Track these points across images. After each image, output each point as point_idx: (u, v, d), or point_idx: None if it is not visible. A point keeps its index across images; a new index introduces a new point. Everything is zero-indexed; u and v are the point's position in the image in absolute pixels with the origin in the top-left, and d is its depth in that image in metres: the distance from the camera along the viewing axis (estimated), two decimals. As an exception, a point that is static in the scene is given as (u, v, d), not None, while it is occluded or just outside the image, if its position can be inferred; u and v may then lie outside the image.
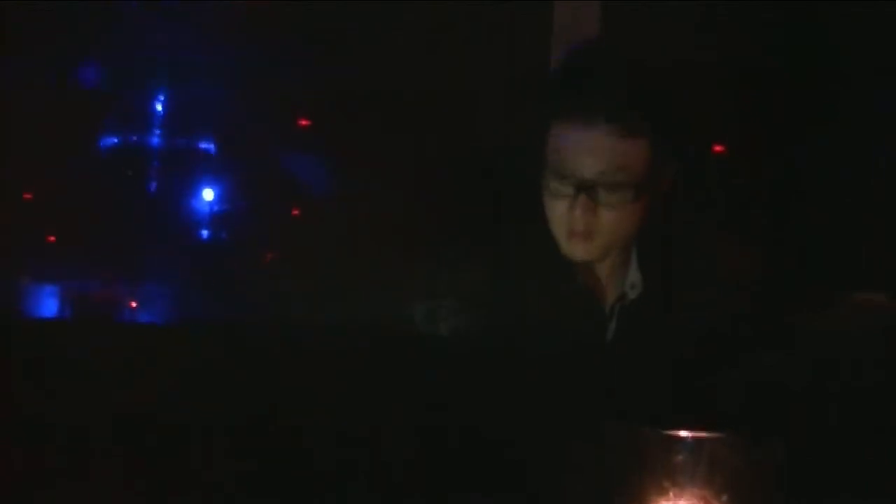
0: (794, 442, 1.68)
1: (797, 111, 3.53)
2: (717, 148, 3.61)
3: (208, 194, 4.61)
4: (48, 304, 4.38)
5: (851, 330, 2.43)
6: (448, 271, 2.29)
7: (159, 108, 4.55)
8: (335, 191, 4.41)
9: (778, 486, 1.58)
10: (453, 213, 2.61)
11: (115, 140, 4.56)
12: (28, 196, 4.47)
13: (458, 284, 2.26)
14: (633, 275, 2.37)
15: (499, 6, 3.67)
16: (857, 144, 3.47)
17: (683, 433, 1.61)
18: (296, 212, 4.53)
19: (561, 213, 2.32)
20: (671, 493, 1.55)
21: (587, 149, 2.30)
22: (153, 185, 4.57)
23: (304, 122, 4.64)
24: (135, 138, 4.56)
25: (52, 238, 4.50)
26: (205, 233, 4.59)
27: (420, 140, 3.86)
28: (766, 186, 3.42)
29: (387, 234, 3.50)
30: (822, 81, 3.52)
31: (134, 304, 4.38)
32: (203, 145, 4.59)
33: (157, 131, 4.55)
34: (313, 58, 4.28)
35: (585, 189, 2.26)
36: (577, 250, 2.33)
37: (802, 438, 1.75)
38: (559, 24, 3.22)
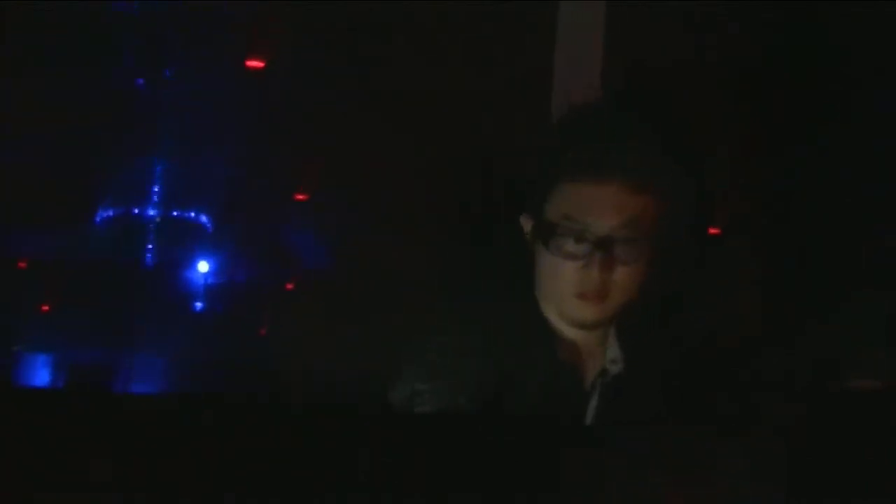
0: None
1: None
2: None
3: (203, 266, 4.63)
4: (40, 373, 4.38)
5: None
6: (433, 350, 2.22)
7: (155, 178, 4.58)
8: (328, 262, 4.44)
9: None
10: (436, 288, 2.57)
11: (111, 211, 4.58)
12: (22, 265, 4.49)
13: (442, 365, 2.18)
14: (613, 350, 2.29)
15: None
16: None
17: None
18: (290, 286, 4.56)
19: (571, 274, 2.20)
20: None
21: (604, 205, 2.16)
22: (147, 256, 4.59)
23: (300, 197, 4.67)
24: (130, 209, 4.59)
25: (46, 307, 4.51)
26: (199, 304, 4.61)
27: (417, 202, 3.86)
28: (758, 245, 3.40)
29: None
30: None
31: (126, 374, 4.39)
32: (198, 217, 4.61)
33: (152, 203, 4.58)
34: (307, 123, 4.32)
35: (602, 247, 2.18)
36: (587, 313, 2.21)
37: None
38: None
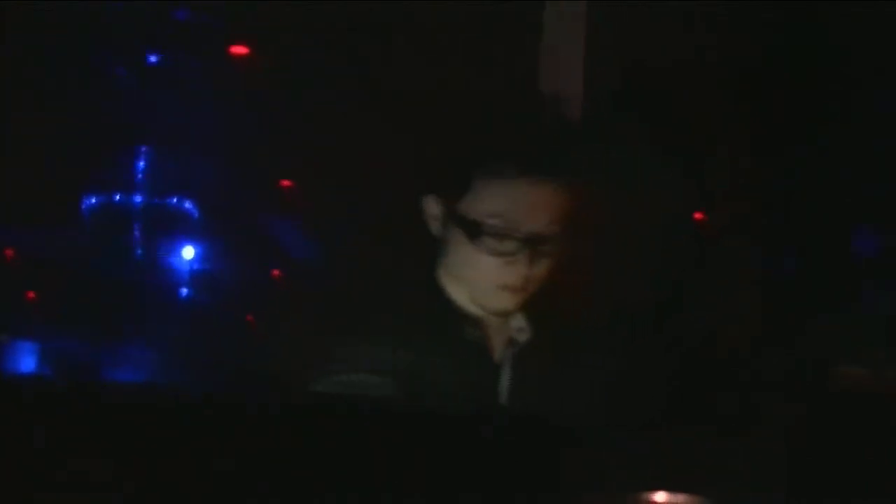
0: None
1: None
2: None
3: (188, 252, 4.62)
4: (26, 362, 4.38)
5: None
6: (361, 341, 2.20)
7: (141, 166, 4.57)
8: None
9: None
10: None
11: (98, 198, 4.57)
12: (10, 252, 4.48)
13: (366, 354, 2.18)
14: (518, 319, 2.31)
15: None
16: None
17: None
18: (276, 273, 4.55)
19: (495, 268, 2.22)
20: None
21: (535, 205, 2.21)
22: (134, 244, 4.58)
23: (286, 183, 4.66)
24: (117, 197, 4.58)
25: (32, 294, 4.50)
26: (185, 291, 4.60)
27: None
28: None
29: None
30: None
31: (113, 364, 4.38)
32: (184, 204, 4.61)
33: (139, 190, 4.57)
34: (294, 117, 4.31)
35: (531, 244, 2.20)
36: (508, 303, 2.25)
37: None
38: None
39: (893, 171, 3.37)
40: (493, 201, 2.20)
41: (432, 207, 2.26)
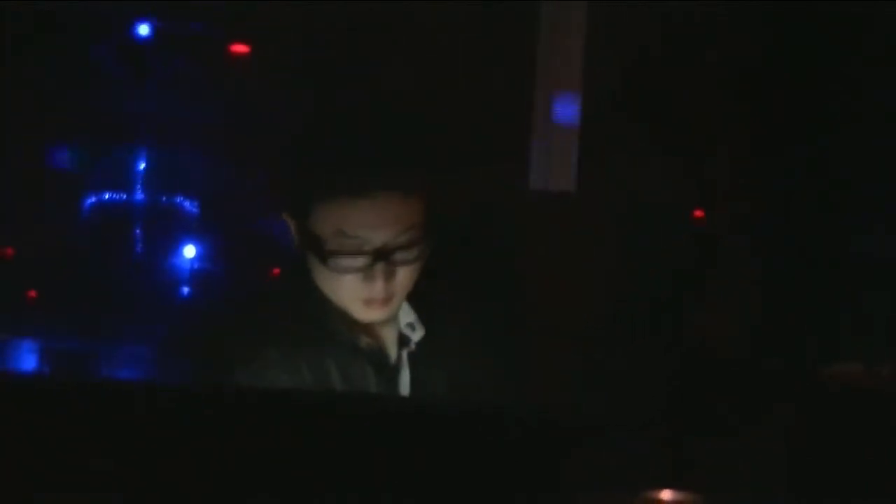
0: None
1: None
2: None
3: (189, 251, 4.62)
4: (27, 360, 4.38)
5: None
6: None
7: (141, 166, 4.56)
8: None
9: None
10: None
11: (98, 197, 4.57)
12: (10, 251, 4.48)
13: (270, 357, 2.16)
14: (407, 314, 2.29)
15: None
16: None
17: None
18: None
19: (353, 284, 2.18)
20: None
21: (379, 217, 2.16)
22: (134, 242, 4.58)
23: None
24: (117, 196, 4.57)
25: (34, 293, 4.50)
26: (185, 290, 4.60)
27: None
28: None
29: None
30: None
31: (112, 362, 4.38)
32: (185, 203, 4.60)
33: (139, 189, 4.57)
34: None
35: (382, 257, 2.17)
36: (375, 315, 2.22)
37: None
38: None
39: (893, 170, 3.37)
40: (333, 218, 2.16)
41: (289, 225, 2.24)
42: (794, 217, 3.41)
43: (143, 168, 4.55)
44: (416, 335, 2.25)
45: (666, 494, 1.64)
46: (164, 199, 4.57)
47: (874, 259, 3.24)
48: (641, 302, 2.33)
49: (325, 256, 2.16)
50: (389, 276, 2.16)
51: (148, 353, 4.34)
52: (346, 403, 1.66)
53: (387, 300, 2.18)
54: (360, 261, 2.15)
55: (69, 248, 4.49)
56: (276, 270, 4.59)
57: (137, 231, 4.56)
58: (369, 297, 2.17)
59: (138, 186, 4.56)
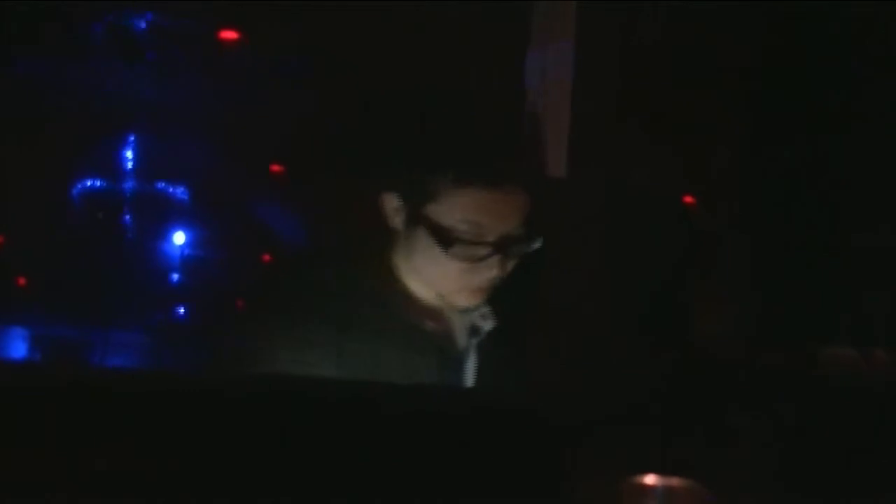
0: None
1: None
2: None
3: (179, 238, 4.63)
4: (16, 347, 4.38)
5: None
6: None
7: (132, 154, 4.57)
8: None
9: None
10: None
11: (88, 185, 4.57)
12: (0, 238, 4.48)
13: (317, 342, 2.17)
14: (481, 307, 2.31)
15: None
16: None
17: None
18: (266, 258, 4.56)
19: (466, 272, 2.22)
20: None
21: (505, 208, 2.22)
22: (124, 229, 4.58)
23: (276, 168, 4.67)
24: (107, 183, 4.58)
25: (23, 281, 4.51)
26: (175, 276, 4.61)
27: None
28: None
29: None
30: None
31: (103, 349, 4.39)
32: (175, 191, 4.61)
33: (130, 177, 4.57)
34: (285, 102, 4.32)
35: (501, 249, 2.21)
36: (474, 301, 2.26)
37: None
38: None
39: (893, 170, 3.40)
40: (459, 207, 2.20)
41: (392, 204, 2.26)
42: (792, 213, 3.44)
43: (134, 155, 4.55)
44: (487, 325, 2.29)
45: (650, 479, 1.64)
46: (155, 186, 4.58)
47: (867, 248, 3.26)
48: (634, 291, 2.34)
49: (449, 242, 2.20)
50: (503, 266, 2.21)
51: (139, 340, 4.35)
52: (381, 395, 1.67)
53: (490, 290, 2.23)
54: (480, 250, 2.20)
55: (58, 236, 4.49)
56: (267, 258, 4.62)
57: (127, 218, 4.57)
58: (480, 285, 2.22)
59: (129, 173, 4.56)
